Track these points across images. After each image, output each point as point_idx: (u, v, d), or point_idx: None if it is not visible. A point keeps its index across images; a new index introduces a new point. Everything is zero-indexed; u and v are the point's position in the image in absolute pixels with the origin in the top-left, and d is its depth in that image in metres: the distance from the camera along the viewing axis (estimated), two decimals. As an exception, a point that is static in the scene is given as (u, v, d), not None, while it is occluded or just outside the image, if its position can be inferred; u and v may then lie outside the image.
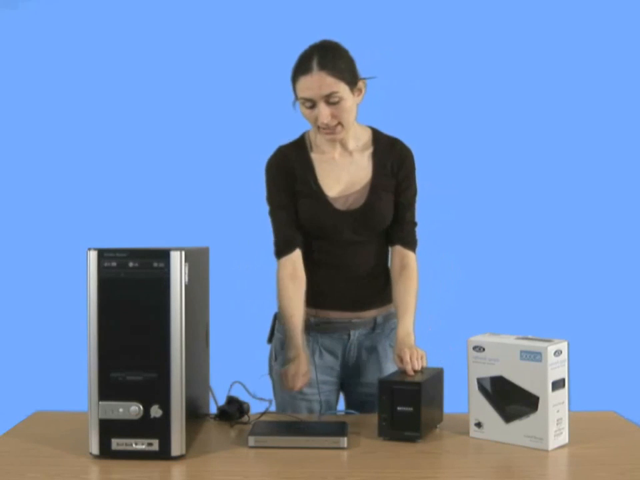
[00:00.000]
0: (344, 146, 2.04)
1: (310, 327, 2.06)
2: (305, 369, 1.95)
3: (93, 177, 3.60)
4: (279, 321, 2.11)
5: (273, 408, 1.97)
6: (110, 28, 3.60)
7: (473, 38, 3.55)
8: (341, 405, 2.19)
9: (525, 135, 3.57)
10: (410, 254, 2.08)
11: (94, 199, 3.59)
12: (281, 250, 2.04)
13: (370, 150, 2.06)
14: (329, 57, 1.90)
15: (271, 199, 2.06)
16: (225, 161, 3.52)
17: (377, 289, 2.10)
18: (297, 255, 2.03)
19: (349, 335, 2.08)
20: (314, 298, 2.04)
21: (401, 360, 1.87)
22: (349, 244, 2.03)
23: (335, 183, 2.03)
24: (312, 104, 1.91)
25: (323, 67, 1.88)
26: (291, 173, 2.03)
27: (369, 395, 2.08)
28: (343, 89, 1.90)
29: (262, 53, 3.51)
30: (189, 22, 3.58)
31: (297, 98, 1.95)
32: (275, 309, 2.14)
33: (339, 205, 2.02)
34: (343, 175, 2.04)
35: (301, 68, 1.91)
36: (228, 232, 3.28)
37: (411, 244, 2.09)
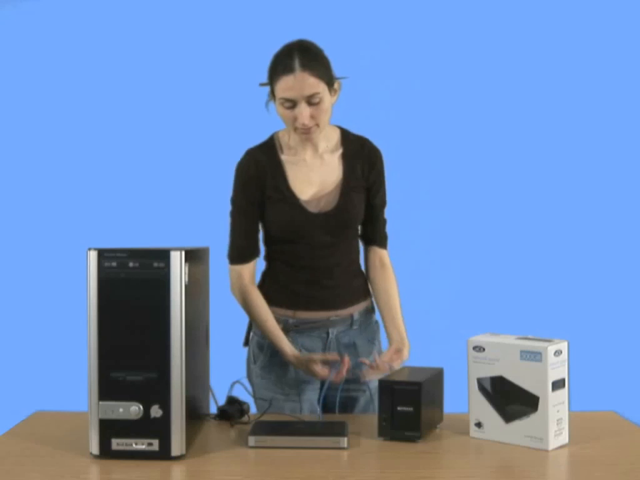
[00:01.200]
0: (315, 147, 2.05)
1: (289, 328, 2.07)
2: (315, 360, 1.97)
3: (93, 177, 3.60)
4: (254, 324, 2.12)
5: (272, 408, 1.97)
6: (108, 30, 3.60)
7: (470, 37, 3.55)
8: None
9: (525, 135, 3.57)
10: (384, 252, 2.17)
11: (94, 199, 3.59)
12: (235, 258, 2.07)
13: (340, 151, 2.07)
14: (310, 57, 1.89)
15: (235, 202, 2.06)
16: (224, 161, 3.50)
17: (353, 287, 2.12)
18: (252, 265, 2.07)
19: (328, 333, 2.10)
20: (291, 299, 2.07)
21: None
22: (323, 245, 2.05)
23: (307, 186, 2.03)
24: (292, 104, 1.90)
25: (305, 67, 1.87)
26: (261, 179, 2.03)
27: (346, 390, 2.08)
28: (323, 89, 1.90)
29: (263, 54, 3.51)
30: (188, 24, 3.59)
31: (273, 98, 1.95)
32: None
33: (312, 208, 2.02)
34: (314, 177, 2.04)
35: (282, 67, 1.89)
36: (228, 232, 3.28)
37: (384, 242, 2.17)
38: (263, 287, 2.11)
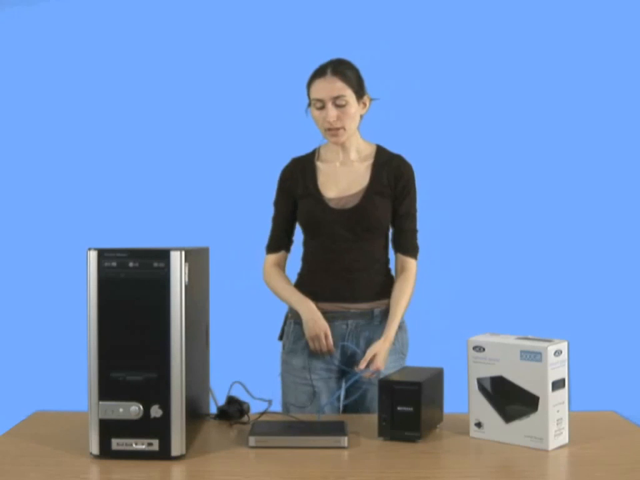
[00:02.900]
0: (346, 156, 2.24)
1: None
2: (324, 324, 2.11)
3: (93, 177, 3.61)
4: (288, 319, 2.25)
5: (272, 408, 1.97)
6: (116, 30, 3.60)
7: (470, 37, 3.55)
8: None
9: (525, 136, 3.57)
10: (409, 260, 2.24)
11: (94, 199, 3.59)
12: (271, 247, 2.28)
13: (370, 161, 2.24)
14: (342, 67, 2.14)
15: (275, 204, 2.28)
16: (224, 162, 3.52)
17: (372, 283, 2.21)
18: (282, 255, 2.28)
19: (347, 325, 2.20)
20: (315, 290, 2.19)
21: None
22: (342, 241, 2.18)
23: (333, 186, 2.22)
24: (322, 105, 2.13)
25: (335, 73, 2.12)
26: (294, 183, 2.24)
27: (365, 383, 2.18)
28: (349, 94, 2.13)
29: (262, 56, 3.52)
30: (201, 26, 3.59)
31: (310, 101, 2.16)
32: (274, 309, 2.25)
33: (333, 204, 2.19)
34: (342, 180, 2.22)
35: (317, 73, 2.15)
36: (228, 232, 3.28)
37: (410, 251, 2.25)
38: (297, 283, 2.26)
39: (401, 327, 2.23)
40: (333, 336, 2.16)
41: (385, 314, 2.19)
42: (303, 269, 2.28)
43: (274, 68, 3.49)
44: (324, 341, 2.11)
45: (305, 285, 2.22)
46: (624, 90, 3.55)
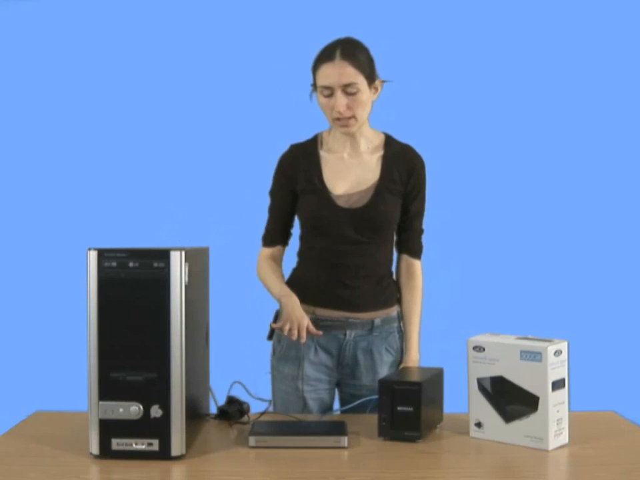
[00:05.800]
0: (354, 146, 2.07)
1: None
2: (300, 311, 1.95)
3: (93, 177, 3.60)
4: (278, 317, 2.12)
5: (272, 408, 1.97)
6: (113, 27, 3.60)
7: (471, 37, 3.55)
8: (337, 404, 2.18)
9: (525, 135, 3.57)
10: (416, 262, 2.16)
11: (94, 199, 3.59)
12: (266, 241, 2.15)
13: (380, 153, 2.08)
14: (351, 49, 1.95)
15: (271, 194, 2.13)
16: (225, 161, 3.52)
17: (377, 291, 2.10)
18: (277, 249, 2.14)
19: (345, 335, 2.08)
20: (312, 295, 2.06)
21: None
22: (350, 243, 2.04)
23: (341, 181, 2.05)
24: (330, 92, 1.95)
25: (345, 56, 1.93)
26: (294, 171, 2.07)
27: (360, 397, 2.06)
28: (361, 81, 1.94)
29: (262, 53, 3.52)
30: (197, 19, 3.58)
31: (315, 87, 1.99)
32: (275, 308, 2.17)
33: (342, 202, 2.03)
34: (350, 174, 2.05)
35: (324, 56, 1.96)
36: (228, 232, 3.28)
37: (417, 252, 2.17)
38: (290, 281, 2.13)
39: (400, 332, 2.15)
40: (328, 346, 2.07)
41: (387, 322, 2.11)
42: (299, 266, 2.14)
43: (273, 68, 3.49)
44: (295, 331, 1.91)
45: (299, 285, 2.08)
46: (625, 89, 3.55)
